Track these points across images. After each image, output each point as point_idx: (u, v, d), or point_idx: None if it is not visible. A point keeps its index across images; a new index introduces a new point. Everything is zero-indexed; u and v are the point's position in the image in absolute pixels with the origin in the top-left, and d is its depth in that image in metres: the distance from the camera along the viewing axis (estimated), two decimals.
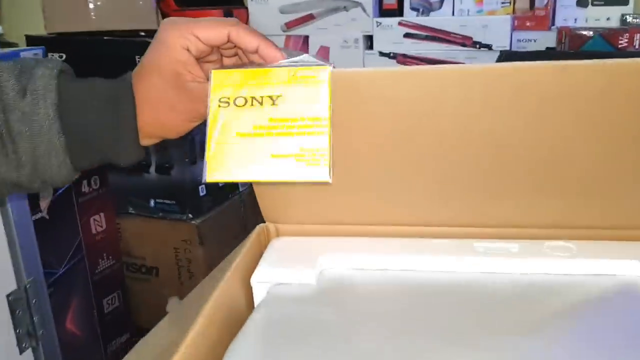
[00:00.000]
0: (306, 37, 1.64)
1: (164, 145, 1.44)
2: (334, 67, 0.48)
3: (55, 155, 0.48)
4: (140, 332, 1.35)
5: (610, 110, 0.50)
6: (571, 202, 0.56)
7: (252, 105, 0.47)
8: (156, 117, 0.49)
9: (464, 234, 0.58)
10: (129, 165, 0.50)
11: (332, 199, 0.60)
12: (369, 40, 1.61)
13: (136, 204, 1.51)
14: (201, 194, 1.49)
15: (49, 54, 1.51)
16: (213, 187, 1.52)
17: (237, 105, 0.48)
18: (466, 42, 1.47)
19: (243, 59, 0.52)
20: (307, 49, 1.64)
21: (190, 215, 1.47)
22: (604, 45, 1.24)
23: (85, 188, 1.17)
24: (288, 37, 1.66)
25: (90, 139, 0.49)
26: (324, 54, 1.63)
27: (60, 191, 1.12)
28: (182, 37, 0.47)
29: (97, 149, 0.49)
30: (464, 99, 0.51)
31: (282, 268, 0.55)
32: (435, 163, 0.55)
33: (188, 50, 0.48)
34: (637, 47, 1.24)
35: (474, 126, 0.52)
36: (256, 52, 0.49)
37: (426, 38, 1.52)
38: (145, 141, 0.50)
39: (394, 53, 1.55)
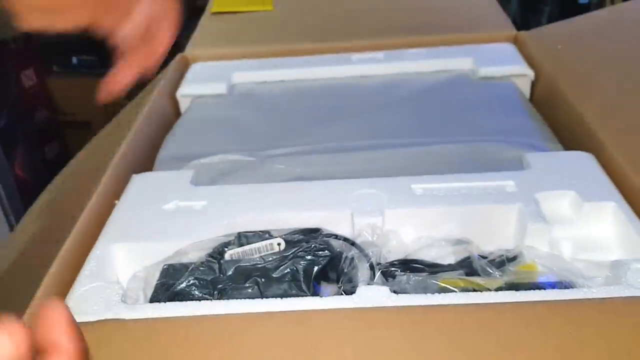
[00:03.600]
0: None
1: None
2: None
3: None
4: None
5: None
6: (423, 18, 0.72)
7: None
8: None
9: (344, 48, 0.74)
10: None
11: (241, 29, 0.73)
12: None
13: (59, 62, 1.57)
14: None
15: None
16: None
17: None
18: None
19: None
20: None
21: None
22: None
23: (12, 44, 1.23)
24: None
25: None
26: None
27: None
28: None
29: None
30: None
31: (202, 84, 0.69)
32: None
33: None
34: None
35: None
36: None
37: None
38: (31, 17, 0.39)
39: None
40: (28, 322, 0.38)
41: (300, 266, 0.41)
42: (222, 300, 0.39)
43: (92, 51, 1.55)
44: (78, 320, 0.37)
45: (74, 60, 1.56)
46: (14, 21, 0.38)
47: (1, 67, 1.20)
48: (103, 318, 0.37)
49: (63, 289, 0.41)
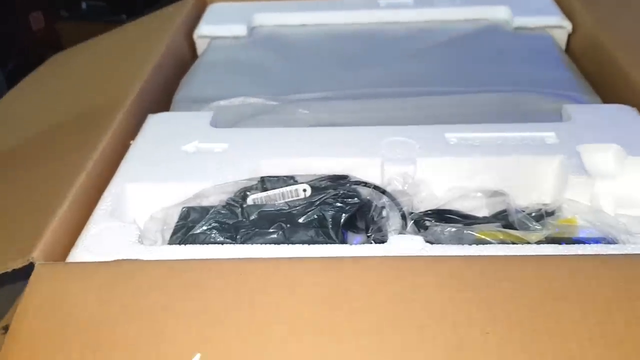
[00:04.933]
0: None
1: None
2: None
3: None
4: None
5: None
6: None
7: None
8: None
9: None
10: None
11: None
12: None
13: (68, 7, 1.52)
14: None
15: None
16: None
17: None
18: None
19: None
20: None
21: (124, 17, 1.50)
22: None
23: None
24: None
25: None
26: None
27: None
28: None
29: None
30: None
31: (221, 25, 0.66)
32: None
33: None
34: None
35: None
36: None
37: None
38: None
39: None
40: (39, 259, 0.36)
41: (328, 213, 0.39)
42: (245, 245, 0.37)
43: None
44: (94, 259, 0.36)
45: (84, 5, 1.51)
46: None
47: (9, 9, 1.16)
48: (120, 258, 0.35)
49: (75, 228, 0.39)
